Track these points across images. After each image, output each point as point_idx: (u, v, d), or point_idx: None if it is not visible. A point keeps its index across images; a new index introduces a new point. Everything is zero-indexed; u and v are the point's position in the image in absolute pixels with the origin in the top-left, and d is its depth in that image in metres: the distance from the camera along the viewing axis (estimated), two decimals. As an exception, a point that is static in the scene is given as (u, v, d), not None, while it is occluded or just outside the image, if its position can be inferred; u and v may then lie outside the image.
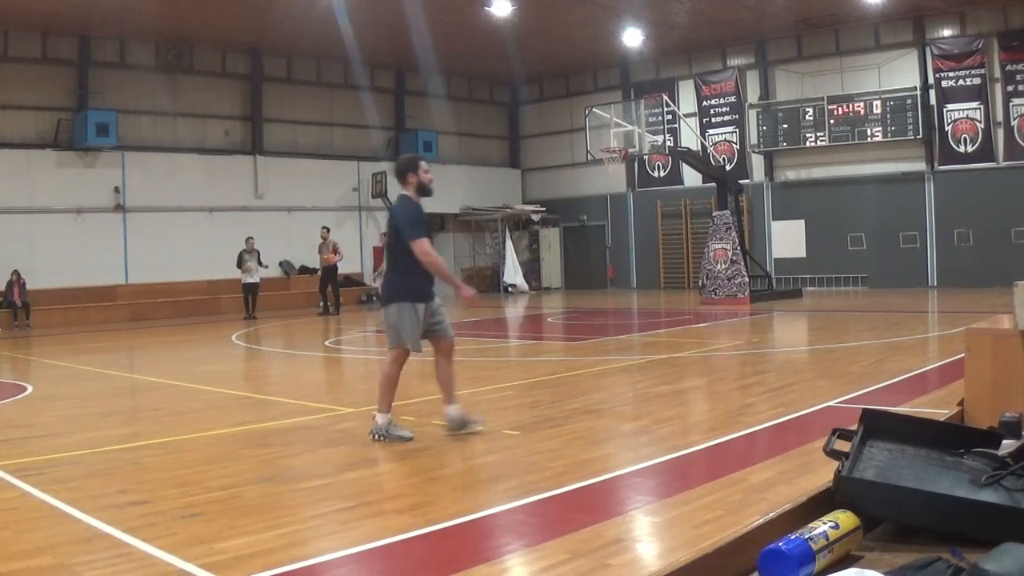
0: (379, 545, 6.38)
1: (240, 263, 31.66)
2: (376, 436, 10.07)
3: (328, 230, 33.44)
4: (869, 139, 34.97)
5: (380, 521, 6.96)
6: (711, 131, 39.27)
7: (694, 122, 38.87)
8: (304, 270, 38.51)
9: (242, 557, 6.11)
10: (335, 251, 32.50)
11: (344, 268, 38.62)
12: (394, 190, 36.72)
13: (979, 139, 33.01)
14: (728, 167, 37.13)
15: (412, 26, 32.47)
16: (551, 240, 45.67)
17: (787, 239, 37.53)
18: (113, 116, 32.80)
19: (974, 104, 33.07)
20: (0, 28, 31.47)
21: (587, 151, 33.39)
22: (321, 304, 32.66)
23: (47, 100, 32.92)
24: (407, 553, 6.30)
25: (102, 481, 8.60)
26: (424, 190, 10.57)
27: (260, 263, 32.23)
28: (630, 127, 31.88)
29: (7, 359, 22.33)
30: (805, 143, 36.43)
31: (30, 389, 15.66)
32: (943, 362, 14.83)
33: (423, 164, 10.68)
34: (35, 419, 12.57)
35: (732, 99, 38.74)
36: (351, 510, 7.34)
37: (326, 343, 22.86)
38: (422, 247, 10.06)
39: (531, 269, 45.03)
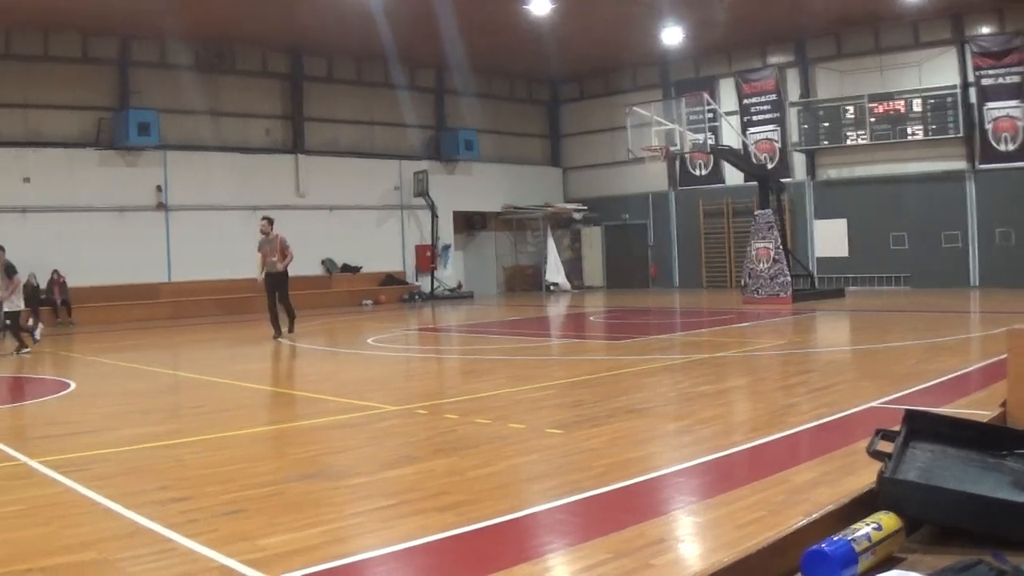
0: (420, 543, 6.40)
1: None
2: None
3: (271, 222, 24.36)
4: (910, 137, 34.74)
5: (421, 519, 6.96)
6: (752, 129, 39.13)
7: (735, 120, 38.74)
8: (346, 268, 38.62)
9: (283, 554, 6.14)
10: (283, 252, 23.89)
11: (386, 267, 38.79)
12: (436, 188, 36.43)
13: (1020, 137, 32.73)
14: (770, 166, 37.00)
15: (452, 25, 32.51)
16: (593, 239, 45.65)
17: (829, 238, 37.36)
18: (154, 116, 33.02)
19: (1014, 102, 32.79)
20: (41, 28, 31.72)
21: (628, 150, 33.30)
22: (273, 329, 24.17)
23: (88, 99, 33.22)
24: (448, 551, 6.31)
25: (144, 477, 8.65)
26: None
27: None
28: (671, 125, 31.82)
29: (50, 356, 22.49)
30: (846, 141, 36.28)
31: (73, 386, 15.77)
32: (985, 363, 14.72)
33: None
34: (78, 416, 12.65)
35: (773, 97, 38.59)
36: (392, 508, 7.36)
37: (369, 341, 22.88)
38: None
39: (573, 268, 45.02)
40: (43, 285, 30.91)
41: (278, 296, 23.88)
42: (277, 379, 17.02)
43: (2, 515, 7.38)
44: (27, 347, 22.32)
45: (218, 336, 26.36)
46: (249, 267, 32.61)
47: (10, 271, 22.10)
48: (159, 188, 33.96)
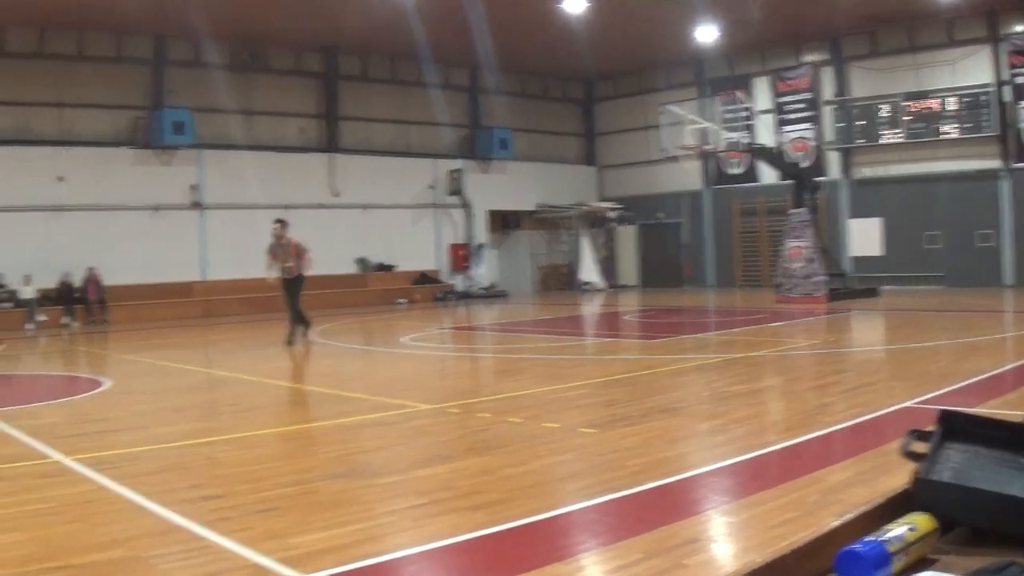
0: (452, 542, 6.39)
1: None
2: None
3: (284, 225, 22.88)
4: (944, 136, 34.55)
5: (454, 518, 6.95)
6: (787, 128, 38.98)
7: (770, 119, 38.62)
8: (380, 267, 38.68)
9: (316, 552, 6.15)
10: (300, 255, 22.19)
11: (420, 266, 38.82)
12: (470, 187, 36.33)
13: (1054, 136, 32.67)
14: (804, 164, 36.81)
15: (485, 23, 32.52)
16: (627, 238, 45.57)
17: (864, 237, 37.20)
18: (188, 115, 33.25)
19: (1049, 101, 32.70)
20: (75, 27, 31.91)
21: (663, 148, 33.25)
22: (289, 330, 22.24)
23: (123, 99, 33.52)
24: (480, 551, 6.32)
25: (177, 475, 8.70)
26: None
27: None
28: (706, 124, 31.78)
29: (83, 354, 22.68)
30: (880, 140, 36.13)
31: (106, 384, 15.85)
32: (1019, 363, 14.67)
33: None
34: (111, 413, 12.73)
35: (807, 96, 38.43)
36: (425, 507, 7.36)
37: (402, 339, 22.90)
38: None
39: (607, 267, 44.94)
40: (78, 283, 31.13)
41: (288, 301, 22.23)
42: (310, 377, 17.03)
43: (34, 512, 7.42)
44: None
45: (251, 335, 26.42)
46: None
47: None
48: (193, 187, 34.10)
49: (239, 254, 33.82)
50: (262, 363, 18.80)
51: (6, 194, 30.66)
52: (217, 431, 11.12)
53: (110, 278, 31.60)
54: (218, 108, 34.99)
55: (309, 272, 22.46)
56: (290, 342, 21.85)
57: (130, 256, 32.31)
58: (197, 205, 34.06)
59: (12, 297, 30.55)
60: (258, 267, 29.13)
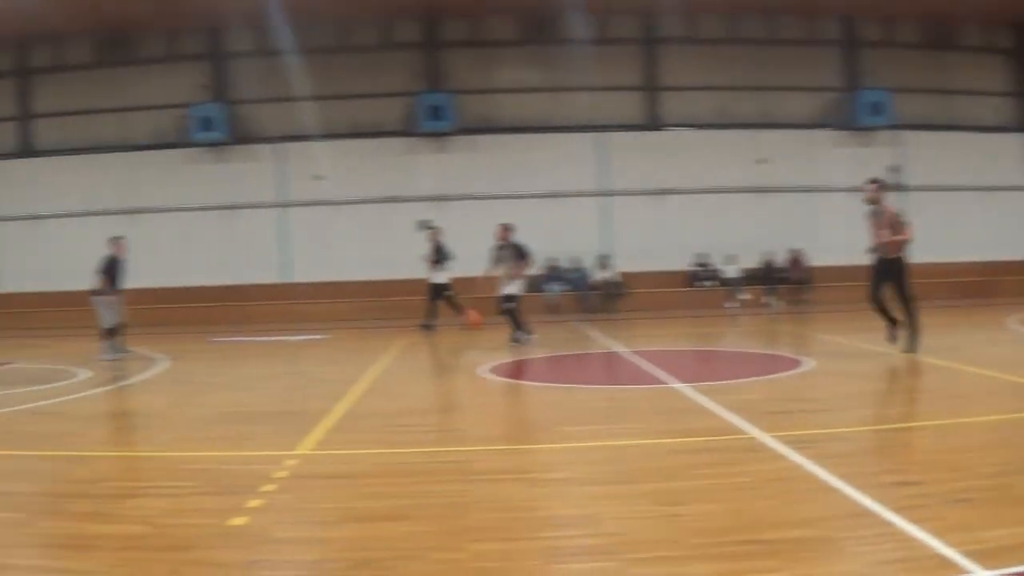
0: None
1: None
2: None
3: (881, 188, 17.76)
4: None
5: None
6: None
7: None
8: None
9: (1006, 548, 6.00)
10: (896, 229, 16.93)
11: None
12: None
13: None
14: None
15: None
16: None
17: None
18: (886, 95, 34.14)
19: None
20: (766, 12, 32.95)
21: None
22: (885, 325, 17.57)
23: (819, 81, 35.61)
24: None
25: (873, 459, 8.97)
26: None
27: (444, 257, 25.20)
28: None
29: (788, 334, 23.49)
30: None
31: (808, 364, 16.43)
32: None
33: None
34: (811, 393, 13.27)
35: None
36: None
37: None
38: None
39: None
40: (781, 263, 32.85)
41: (897, 291, 17.11)
42: (1011, 367, 16.27)
43: (732, 486, 7.83)
44: (529, 333, 21.25)
45: (948, 321, 25.91)
46: (984, 252, 32.05)
47: (522, 252, 21.23)
48: (891, 169, 33.90)
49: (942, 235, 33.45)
50: (973, 350, 18.37)
51: (710, 175, 33.60)
52: (917, 417, 11.19)
53: (814, 258, 32.60)
54: (914, 88, 35.00)
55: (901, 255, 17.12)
56: (908, 347, 17.09)
57: (835, 235, 32.82)
58: (899, 186, 33.83)
59: (716, 276, 32.22)
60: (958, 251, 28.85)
